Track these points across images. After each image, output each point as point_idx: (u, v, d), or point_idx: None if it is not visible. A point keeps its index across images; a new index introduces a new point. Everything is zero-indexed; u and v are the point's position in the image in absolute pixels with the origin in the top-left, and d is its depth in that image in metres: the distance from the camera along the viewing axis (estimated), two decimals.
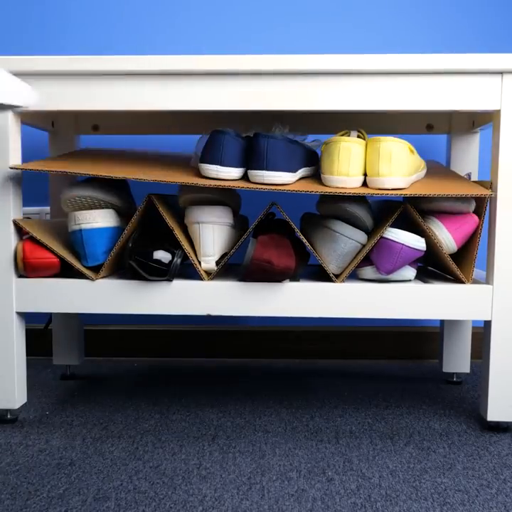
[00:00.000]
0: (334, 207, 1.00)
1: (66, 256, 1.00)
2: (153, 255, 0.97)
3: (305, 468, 0.87)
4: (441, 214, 1.01)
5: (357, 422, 1.05)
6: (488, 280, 1.00)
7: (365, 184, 0.98)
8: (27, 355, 1.45)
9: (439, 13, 1.41)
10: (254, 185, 0.96)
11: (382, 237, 0.97)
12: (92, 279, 1.00)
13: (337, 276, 1.01)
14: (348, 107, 0.97)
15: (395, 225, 1.06)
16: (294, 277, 1.05)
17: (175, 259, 0.98)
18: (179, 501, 0.78)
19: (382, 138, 0.94)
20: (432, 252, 1.04)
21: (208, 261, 1.00)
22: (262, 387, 1.24)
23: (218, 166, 0.96)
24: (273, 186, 0.96)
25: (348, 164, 0.95)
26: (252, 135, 1.02)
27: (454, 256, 1.04)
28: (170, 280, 0.99)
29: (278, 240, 0.96)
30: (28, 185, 1.46)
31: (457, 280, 1.01)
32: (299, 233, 0.99)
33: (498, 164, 0.96)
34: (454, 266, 0.98)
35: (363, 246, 0.99)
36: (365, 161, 0.96)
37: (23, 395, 1.06)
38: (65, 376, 1.31)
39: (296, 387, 1.25)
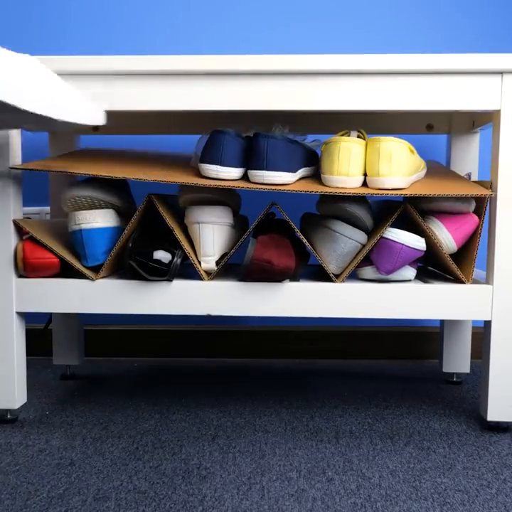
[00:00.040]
0: (334, 207, 1.00)
1: (66, 256, 1.00)
2: (153, 255, 0.97)
3: (305, 468, 0.87)
4: (441, 214, 1.01)
5: (357, 422, 1.05)
6: (488, 280, 1.00)
7: (365, 184, 0.98)
8: (27, 355, 1.45)
9: (439, 13, 1.41)
10: (254, 185, 0.96)
11: (382, 237, 0.97)
12: (92, 279, 1.00)
13: (337, 276, 1.01)
14: (348, 107, 0.97)
15: (395, 225, 1.06)
16: (294, 277, 1.05)
17: (175, 259, 0.98)
18: (179, 501, 0.78)
19: (382, 138, 0.94)
20: (432, 252, 1.04)
21: (208, 261, 1.00)
22: (262, 387, 1.24)
23: (218, 166, 0.96)
24: (273, 186, 0.96)
25: (348, 164, 0.95)
26: (252, 135, 1.02)
27: (454, 256, 1.04)
28: (170, 280, 0.99)
29: (278, 240, 0.96)
30: (28, 185, 1.46)
31: (457, 280, 1.01)
32: (299, 233, 0.99)
33: (498, 164, 0.96)
34: (454, 266, 0.98)
35: (363, 246, 0.99)
36: (365, 161, 0.96)
37: (23, 395, 1.06)
38: (65, 376, 1.31)
39: (296, 387, 1.25)
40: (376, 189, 0.95)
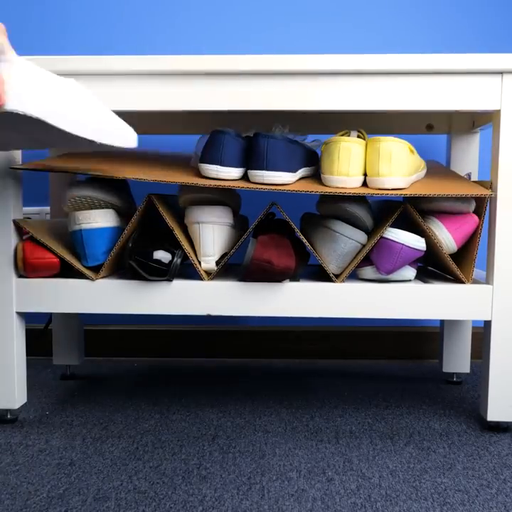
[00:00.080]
0: (334, 207, 1.00)
1: (66, 256, 1.00)
2: (153, 255, 0.97)
3: (305, 468, 0.87)
4: (441, 214, 1.01)
5: (357, 422, 1.05)
6: (488, 280, 1.00)
7: (365, 184, 0.98)
8: (27, 355, 1.45)
9: (439, 13, 1.41)
10: (254, 185, 0.96)
11: (382, 237, 0.97)
12: (92, 279, 1.00)
13: (337, 276, 1.01)
14: (347, 107, 0.97)
15: (395, 225, 1.06)
16: (294, 277, 1.05)
17: (175, 259, 0.98)
18: (179, 501, 0.78)
19: (382, 138, 0.94)
20: (432, 252, 1.04)
21: (208, 261, 1.00)
22: (262, 387, 1.24)
23: (218, 166, 0.96)
24: (273, 186, 0.96)
25: (348, 164, 0.95)
26: (252, 135, 1.02)
27: (454, 256, 1.04)
28: (170, 280, 0.99)
29: (278, 240, 0.96)
30: (28, 185, 1.46)
31: (457, 280, 1.01)
32: (299, 233, 0.99)
33: (498, 164, 0.96)
34: (454, 266, 0.98)
35: (363, 246, 0.99)
36: (365, 161, 0.96)
37: (23, 395, 1.06)
38: (65, 376, 1.31)
39: (296, 387, 1.25)
40: (376, 189, 0.95)
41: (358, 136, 1.00)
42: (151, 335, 1.47)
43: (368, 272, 1.01)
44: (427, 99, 0.96)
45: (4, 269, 1.01)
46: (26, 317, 1.07)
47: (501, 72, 0.95)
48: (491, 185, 0.98)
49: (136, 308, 1.00)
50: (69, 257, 1.01)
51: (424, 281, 1.02)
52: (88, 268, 1.02)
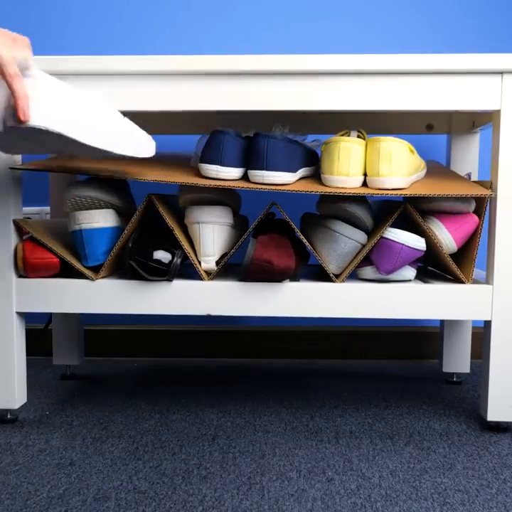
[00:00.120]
0: (334, 207, 1.00)
1: (66, 256, 1.00)
2: (153, 255, 0.97)
3: (305, 468, 0.87)
4: (441, 214, 1.01)
5: (357, 422, 1.05)
6: (488, 280, 1.00)
7: (365, 184, 0.98)
8: (27, 355, 1.45)
9: (439, 13, 1.41)
10: (254, 185, 0.96)
11: (382, 237, 0.97)
12: (92, 279, 1.00)
13: (337, 276, 1.01)
14: (347, 107, 0.97)
15: (395, 225, 1.06)
16: (294, 277, 1.05)
17: (175, 259, 0.98)
18: (179, 501, 0.78)
19: (382, 138, 0.94)
20: (432, 252, 1.04)
21: (208, 261, 1.00)
22: (262, 387, 1.24)
23: (218, 166, 0.96)
24: (273, 186, 0.96)
25: (348, 164, 0.95)
26: (252, 135, 1.02)
27: (454, 256, 1.04)
28: (170, 280, 0.99)
29: (278, 240, 0.96)
30: (28, 185, 1.46)
31: (457, 280, 1.01)
32: (299, 233, 0.99)
33: (498, 164, 0.96)
34: (454, 266, 0.98)
35: (363, 246, 0.99)
36: (365, 161, 0.96)
37: (23, 395, 1.06)
38: (65, 376, 1.31)
39: (296, 387, 1.25)
40: (376, 189, 0.95)
41: (358, 136, 1.00)
42: (151, 335, 1.47)
43: (368, 271, 1.01)
44: (427, 99, 0.96)
45: (4, 269, 1.01)
46: (26, 317, 1.07)
47: (501, 72, 0.95)
48: (491, 185, 0.98)
49: (136, 308, 1.00)
50: (69, 257, 1.01)
51: (424, 281, 1.02)
52: (88, 268, 1.02)
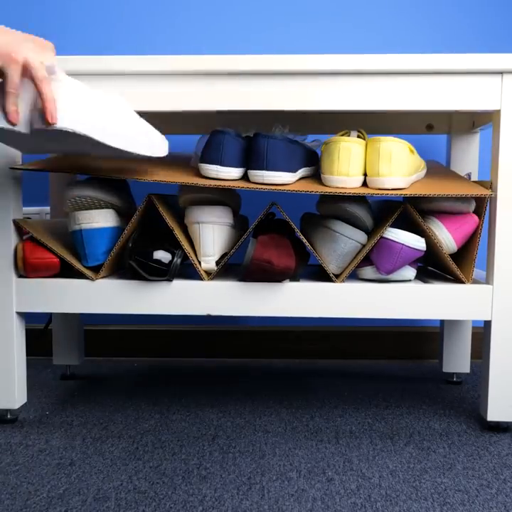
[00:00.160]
0: (334, 207, 1.00)
1: (66, 256, 1.00)
2: (153, 255, 0.97)
3: (305, 468, 0.87)
4: (441, 214, 1.01)
5: (357, 422, 1.05)
6: (488, 280, 1.00)
7: (365, 184, 0.98)
8: (27, 355, 1.45)
9: (439, 13, 1.41)
10: (254, 185, 0.96)
11: (382, 237, 0.97)
12: (92, 279, 1.00)
13: (337, 276, 1.01)
14: (347, 107, 0.97)
15: (395, 225, 1.06)
16: (294, 277, 1.05)
17: (175, 259, 0.98)
18: (179, 501, 0.78)
19: (382, 138, 0.94)
20: (432, 252, 1.04)
21: (208, 261, 1.00)
22: (262, 387, 1.24)
23: (218, 166, 0.96)
24: (273, 186, 0.96)
25: (348, 164, 0.95)
26: (252, 135, 1.02)
27: (454, 256, 1.04)
28: (170, 280, 0.99)
29: (278, 240, 0.96)
30: (28, 185, 1.46)
31: (457, 280, 1.01)
32: (299, 233, 0.99)
33: (498, 164, 0.96)
34: (454, 266, 0.98)
35: (363, 246, 0.99)
36: (365, 161, 0.96)
37: (23, 395, 1.06)
38: (65, 376, 1.31)
39: (296, 387, 1.25)
40: (376, 189, 0.95)
41: (358, 136, 1.00)
42: (151, 335, 1.47)
43: (368, 272, 1.01)
44: (427, 99, 0.96)
45: (4, 269, 1.01)
46: (26, 317, 1.07)
47: (501, 72, 0.95)
48: (491, 185, 0.98)
49: (136, 308, 1.00)
50: (69, 257, 1.01)
51: (424, 281, 1.02)
52: (88, 268, 1.02)
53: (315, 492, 0.80)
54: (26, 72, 0.78)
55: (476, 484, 0.82)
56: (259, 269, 0.95)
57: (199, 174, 1.00)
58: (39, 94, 0.78)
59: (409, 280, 1.02)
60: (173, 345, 1.47)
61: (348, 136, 0.99)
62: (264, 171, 0.95)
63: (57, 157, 1.10)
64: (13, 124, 0.79)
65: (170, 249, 0.98)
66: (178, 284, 0.99)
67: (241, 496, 0.79)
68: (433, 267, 1.16)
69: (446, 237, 0.99)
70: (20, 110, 0.79)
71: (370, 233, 1.02)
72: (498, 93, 0.95)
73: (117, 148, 0.85)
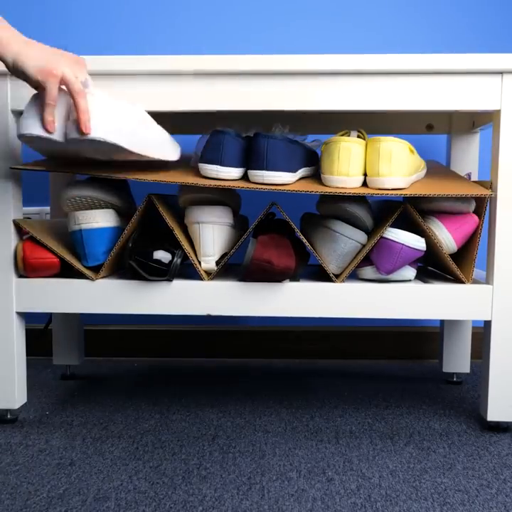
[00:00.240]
0: (334, 207, 1.00)
1: (66, 256, 1.00)
2: (153, 255, 0.97)
3: (305, 468, 0.87)
4: (441, 214, 1.01)
5: (357, 422, 1.05)
6: (488, 280, 1.00)
7: (365, 184, 0.98)
8: (27, 355, 1.45)
9: (439, 13, 1.41)
10: (254, 185, 0.96)
11: (382, 237, 0.97)
12: (92, 279, 1.00)
13: (337, 276, 1.01)
14: (347, 107, 0.97)
15: (395, 225, 1.05)
16: (294, 277, 1.05)
17: (175, 259, 0.98)
18: (179, 501, 0.78)
19: (382, 138, 0.94)
20: (432, 252, 1.04)
21: (208, 261, 1.00)
22: (262, 387, 1.24)
23: (218, 166, 0.96)
24: (273, 186, 0.96)
25: (348, 164, 0.95)
26: (252, 135, 1.02)
27: (454, 256, 1.04)
28: (170, 280, 0.99)
29: (278, 240, 0.96)
30: (28, 185, 1.46)
31: (457, 280, 1.01)
32: (299, 233, 0.99)
33: (498, 164, 0.96)
34: (454, 266, 0.98)
35: (363, 246, 0.99)
36: (365, 161, 0.96)
37: (23, 395, 1.06)
38: (65, 376, 1.31)
39: (296, 387, 1.25)
40: (376, 189, 0.95)
41: (358, 136, 1.00)
42: (151, 335, 1.47)
43: (368, 272, 1.01)
44: (427, 99, 0.96)
45: (4, 269, 1.01)
46: (26, 317, 1.07)
47: (501, 72, 0.95)
48: (491, 185, 0.98)
49: (136, 308, 1.00)
50: (69, 257, 1.01)
51: (424, 281, 1.02)
52: (88, 268, 1.02)
53: (315, 492, 0.80)
54: (63, 86, 0.86)
55: (476, 484, 0.82)
56: (259, 269, 0.95)
57: (199, 174, 1.00)
58: (74, 106, 0.85)
59: (409, 280, 1.02)
60: (173, 345, 1.47)
61: (348, 136, 0.99)
62: (264, 171, 0.95)
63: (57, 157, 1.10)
64: (50, 133, 0.87)
65: (170, 249, 0.98)
66: (178, 284, 0.99)
67: (241, 495, 0.79)
68: (433, 267, 1.16)
69: (446, 237, 0.99)
70: (56, 120, 0.87)
71: (370, 233, 1.02)
72: (498, 93, 0.95)
73: (140, 154, 0.92)
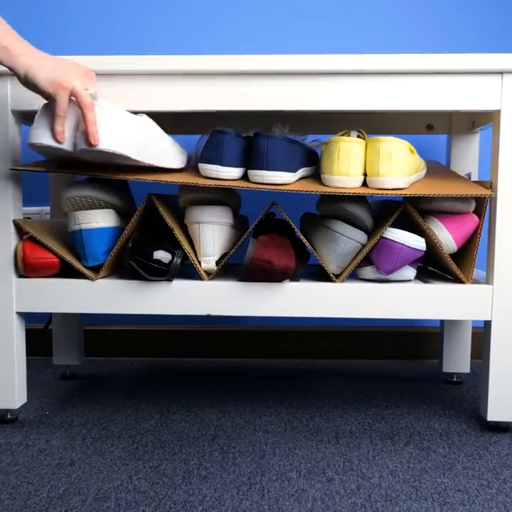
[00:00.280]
0: (334, 207, 1.00)
1: (66, 256, 1.00)
2: (153, 255, 0.97)
3: (305, 468, 0.87)
4: (441, 214, 1.01)
5: (357, 422, 1.05)
6: (488, 280, 1.00)
7: (365, 184, 0.98)
8: (27, 355, 1.45)
9: (439, 13, 1.41)
10: (254, 185, 0.96)
11: (382, 237, 0.97)
12: (92, 279, 1.00)
13: (337, 276, 1.01)
14: (347, 107, 0.97)
15: (395, 225, 1.05)
16: (294, 277, 1.05)
17: (175, 259, 0.98)
18: (179, 501, 0.78)
19: (382, 138, 0.94)
20: (432, 252, 1.04)
21: (208, 261, 1.00)
22: (262, 387, 1.24)
23: (218, 166, 0.96)
24: (273, 186, 0.96)
25: (348, 164, 0.95)
26: (252, 135, 1.02)
27: (454, 256, 1.04)
28: (170, 280, 0.99)
29: (278, 240, 0.96)
30: (28, 185, 1.46)
31: (457, 280, 1.01)
32: (299, 233, 0.99)
33: (498, 164, 0.96)
34: (454, 266, 0.98)
35: (363, 246, 0.99)
36: (365, 161, 0.96)
37: (23, 395, 1.06)
38: (65, 376, 1.31)
39: (296, 387, 1.25)
40: (376, 189, 0.95)
41: (358, 136, 1.00)
42: (151, 335, 1.47)
43: (368, 272, 1.01)
44: (427, 99, 0.96)
45: (4, 269, 1.01)
46: (26, 317, 1.07)
47: (501, 72, 0.95)
48: (491, 185, 0.98)
49: (136, 308, 1.00)
50: (69, 257, 1.01)
51: (424, 281, 1.02)
52: (88, 268, 1.02)
53: (315, 492, 0.80)
54: (73, 98, 0.88)
55: (476, 484, 0.82)
56: (259, 269, 0.95)
57: (199, 174, 1.00)
58: (83, 118, 0.87)
59: (409, 280, 1.02)
60: (173, 345, 1.47)
61: (348, 136, 0.99)
62: (264, 171, 0.95)
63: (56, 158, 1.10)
64: (60, 143, 0.90)
65: (170, 249, 0.98)
66: (178, 284, 0.99)
67: (241, 495, 0.79)
68: (433, 267, 1.16)
69: (446, 237, 0.99)
70: (66, 130, 0.90)
71: (370, 233, 1.02)
72: (498, 93, 0.95)
73: (149, 164, 0.95)
